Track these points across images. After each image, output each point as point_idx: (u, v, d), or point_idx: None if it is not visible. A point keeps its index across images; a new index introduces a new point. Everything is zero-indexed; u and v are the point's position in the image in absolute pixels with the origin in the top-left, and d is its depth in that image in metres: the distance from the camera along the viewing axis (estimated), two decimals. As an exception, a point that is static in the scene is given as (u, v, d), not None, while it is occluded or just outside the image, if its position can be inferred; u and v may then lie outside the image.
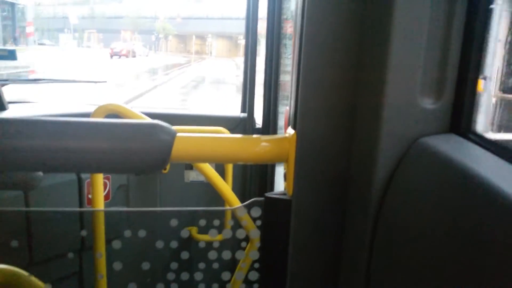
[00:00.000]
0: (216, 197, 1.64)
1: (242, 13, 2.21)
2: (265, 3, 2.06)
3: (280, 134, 0.81)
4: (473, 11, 0.59)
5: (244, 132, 2.18)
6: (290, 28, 2.03)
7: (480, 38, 0.59)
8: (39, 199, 1.74)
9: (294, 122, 0.74)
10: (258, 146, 0.77)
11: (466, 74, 0.61)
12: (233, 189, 1.65)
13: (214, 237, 0.84)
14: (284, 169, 0.80)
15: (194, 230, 1.94)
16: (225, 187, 1.59)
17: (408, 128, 0.61)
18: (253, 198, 0.82)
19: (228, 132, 2.02)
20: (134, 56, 33.99)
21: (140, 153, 0.69)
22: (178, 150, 0.72)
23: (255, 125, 2.19)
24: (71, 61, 22.92)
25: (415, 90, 0.60)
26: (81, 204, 1.92)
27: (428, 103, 0.61)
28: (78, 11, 51.50)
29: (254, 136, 0.81)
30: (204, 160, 0.79)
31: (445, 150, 0.55)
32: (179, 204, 2.20)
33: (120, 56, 32.32)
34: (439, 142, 0.58)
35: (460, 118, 0.62)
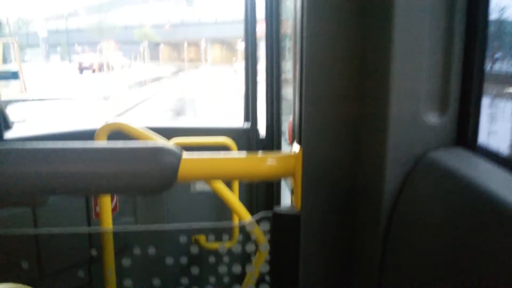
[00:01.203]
0: (223, 207, 1.70)
1: (237, 16, 2.26)
2: (263, 4, 2.11)
3: (286, 151, 0.86)
4: (472, 24, 0.63)
5: (248, 143, 2.26)
6: (289, 28, 2.07)
7: (481, 50, 0.63)
8: (47, 213, 1.85)
9: (299, 137, 0.78)
10: (264, 164, 0.81)
11: (470, 87, 0.64)
12: (240, 199, 1.71)
13: (223, 251, 0.89)
14: (291, 183, 0.84)
15: (202, 238, 2.03)
16: (233, 199, 1.65)
17: (414, 143, 0.65)
18: (260, 208, 0.89)
19: (233, 142, 2.10)
20: (112, 69, 31.13)
21: (146, 176, 0.74)
22: (184, 171, 0.77)
23: (259, 136, 2.27)
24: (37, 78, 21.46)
25: (419, 105, 0.64)
26: (88, 217, 2.03)
27: (433, 118, 0.65)
28: (72, 23, 52.34)
29: (260, 154, 0.85)
30: (211, 179, 0.85)
31: (452, 164, 0.58)
32: (186, 215, 2.30)
33: (93, 70, 30.04)
34: (446, 157, 0.62)
35: (466, 132, 0.65)
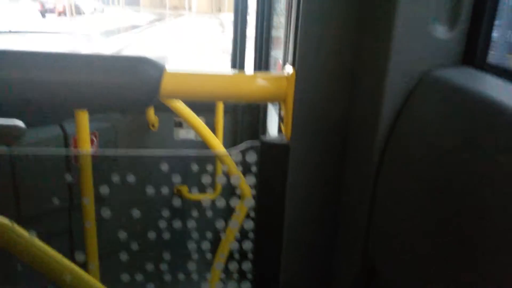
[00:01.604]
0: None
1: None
2: None
3: (278, 72, 0.80)
4: None
5: None
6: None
7: None
8: (25, 164, 1.82)
9: (294, 59, 0.74)
10: (254, 84, 0.77)
11: (484, 1, 0.60)
12: (224, 145, 1.71)
13: (207, 181, 0.85)
14: (281, 111, 0.81)
15: (184, 189, 2.04)
16: (216, 142, 1.66)
17: (418, 60, 0.62)
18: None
19: None
20: (80, 13, 28.00)
21: (127, 88, 0.71)
22: (167, 86, 0.73)
23: None
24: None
25: (427, 18, 0.60)
26: (67, 162, 2.02)
27: (441, 33, 0.61)
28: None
29: (250, 73, 0.85)
30: (196, 97, 0.79)
31: (459, 81, 0.55)
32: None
33: (60, 13, 26.97)
34: (452, 74, 0.58)
35: (475, 49, 0.62)
